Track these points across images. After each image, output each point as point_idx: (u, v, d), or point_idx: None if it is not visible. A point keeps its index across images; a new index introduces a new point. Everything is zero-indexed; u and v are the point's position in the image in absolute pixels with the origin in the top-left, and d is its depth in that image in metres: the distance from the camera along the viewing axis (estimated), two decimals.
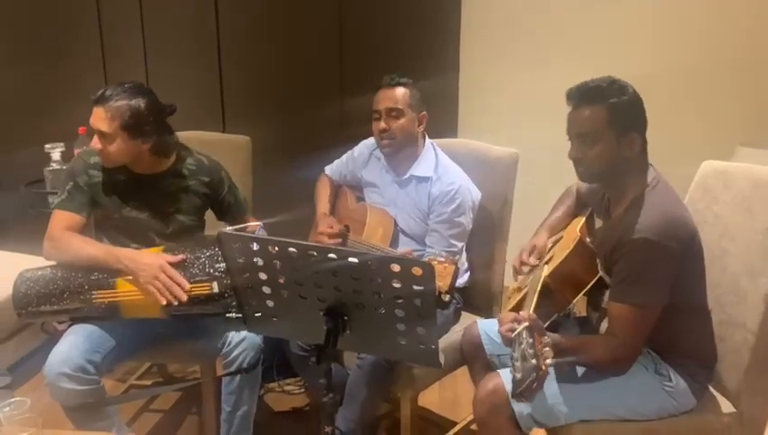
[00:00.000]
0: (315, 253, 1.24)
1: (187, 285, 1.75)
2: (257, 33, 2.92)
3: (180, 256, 1.80)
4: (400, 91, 2.04)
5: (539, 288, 1.60)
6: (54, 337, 1.86)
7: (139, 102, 1.81)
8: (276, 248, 1.26)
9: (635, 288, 1.50)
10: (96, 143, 1.84)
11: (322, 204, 2.26)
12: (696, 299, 1.61)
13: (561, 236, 1.84)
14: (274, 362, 2.34)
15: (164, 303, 1.73)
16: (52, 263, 1.87)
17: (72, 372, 1.71)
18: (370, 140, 2.21)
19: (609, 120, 1.52)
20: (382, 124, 2.03)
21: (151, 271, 1.74)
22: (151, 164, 1.93)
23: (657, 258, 1.48)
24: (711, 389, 1.67)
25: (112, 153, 1.84)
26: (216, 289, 1.76)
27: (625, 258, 1.50)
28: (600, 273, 1.62)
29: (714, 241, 1.69)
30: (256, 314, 1.39)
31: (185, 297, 1.74)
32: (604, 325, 1.67)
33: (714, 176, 1.79)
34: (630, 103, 1.54)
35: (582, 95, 1.55)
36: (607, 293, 1.64)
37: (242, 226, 1.95)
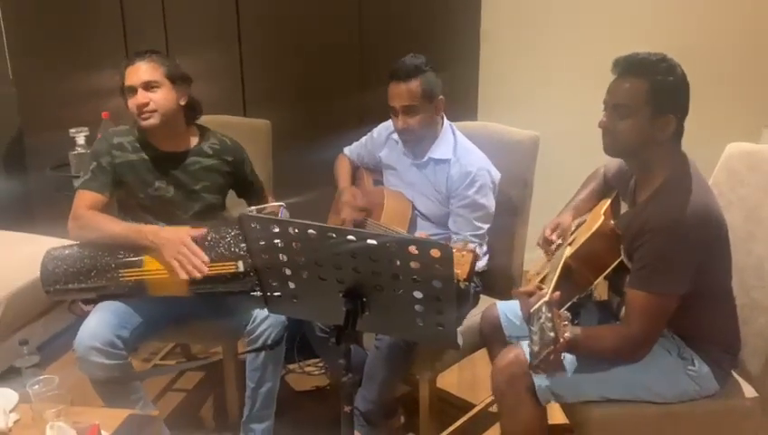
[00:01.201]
0: (334, 235, 1.25)
1: (208, 259, 1.77)
2: (278, 19, 2.91)
3: (202, 230, 1.83)
4: (413, 86, 1.96)
5: (560, 268, 1.59)
6: (81, 318, 1.90)
7: (171, 57, 1.97)
8: (296, 230, 1.27)
9: (654, 276, 1.48)
10: (139, 99, 1.88)
11: (344, 178, 2.26)
12: (721, 286, 1.59)
13: (585, 220, 1.82)
14: (295, 343, 2.37)
15: (185, 277, 1.75)
16: (78, 243, 1.91)
17: (102, 346, 1.75)
18: (389, 123, 2.20)
19: (648, 97, 1.48)
20: (400, 123, 2.01)
21: (173, 245, 1.77)
22: (178, 138, 1.98)
23: (679, 247, 1.45)
24: (734, 374, 1.65)
25: (159, 103, 1.89)
26: (241, 268, 1.80)
27: (646, 245, 1.48)
28: (623, 258, 1.61)
29: (739, 224, 1.66)
30: (276, 295, 1.41)
31: (206, 270, 1.76)
32: (624, 312, 1.65)
33: (739, 158, 1.75)
34: (675, 85, 1.50)
35: (628, 66, 1.51)
36: (628, 278, 1.62)
37: (263, 206, 1.97)
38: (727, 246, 1.56)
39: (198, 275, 1.75)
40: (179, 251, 1.77)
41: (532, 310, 1.39)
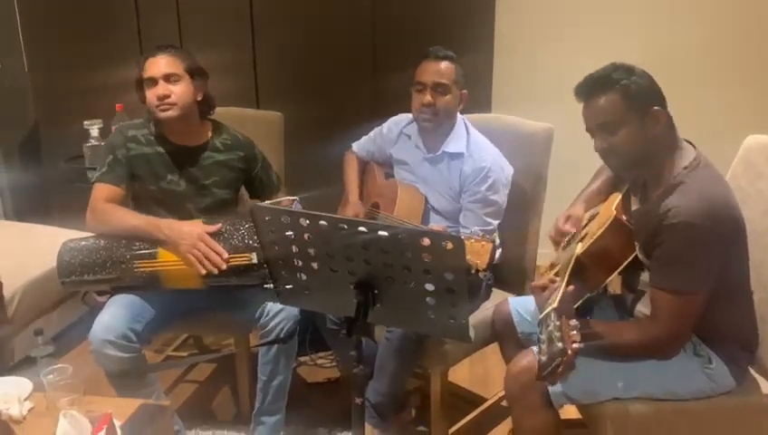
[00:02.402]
0: (346, 226, 1.24)
1: (226, 254, 1.79)
2: (291, 13, 2.90)
3: (217, 225, 1.84)
4: (448, 66, 1.99)
5: (570, 267, 1.57)
6: (95, 309, 1.92)
7: (189, 52, 1.99)
8: (307, 221, 1.27)
9: (677, 273, 1.46)
10: (160, 90, 1.89)
11: (352, 188, 2.24)
12: (738, 282, 1.56)
13: (597, 213, 1.80)
14: (307, 335, 2.38)
15: (203, 272, 1.77)
16: (94, 235, 1.92)
17: (116, 340, 1.77)
18: (400, 118, 2.19)
19: (627, 102, 1.47)
20: (428, 97, 1.98)
21: (191, 240, 1.79)
22: (192, 132, 1.99)
23: (700, 242, 1.43)
24: (751, 370, 1.63)
25: (178, 95, 1.91)
26: (255, 260, 1.81)
27: (668, 243, 1.45)
28: (639, 256, 1.58)
29: (757, 218, 1.63)
30: (288, 287, 1.40)
31: (224, 266, 1.78)
32: (638, 307, 1.63)
33: (758, 150, 1.72)
34: (641, 81, 1.49)
35: (591, 86, 1.51)
36: (643, 274, 1.60)
37: (277, 200, 1.97)
38: (744, 241, 1.54)
39: (215, 271, 1.77)
40: (196, 246, 1.78)
41: (540, 316, 1.37)
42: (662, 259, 1.48)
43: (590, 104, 1.52)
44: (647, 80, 1.50)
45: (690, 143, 1.56)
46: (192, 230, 1.81)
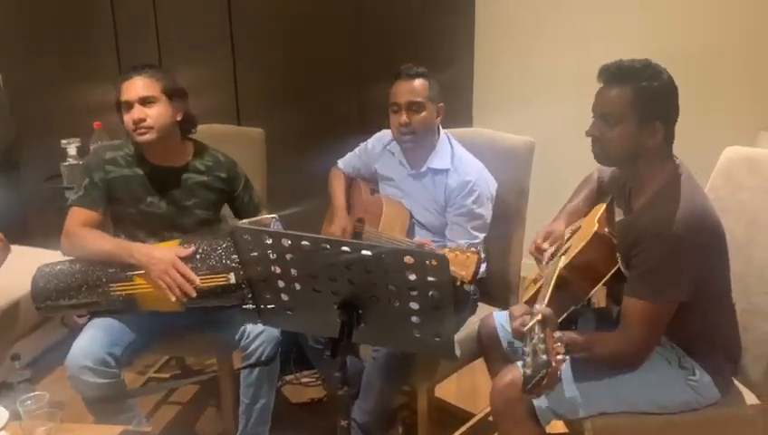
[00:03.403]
0: (328, 246, 1.23)
1: (197, 281, 1.76)
2: (271, 27, 2.90)
3: (191, 249, 1.81)
4: (420, 84, 1.99)
5: (554, 280, 1.56)
6: (75, 330, 1.89)
7: (168, 71, 1.95)
8: (289, 241, 1.25)
9: (652, 284, 1.46)
10: (136, 114, 1.85)
11: (339, 202, 2.22)
12: (720, 293, 1.57)
13: (580, 226, 1.80)
14: (292, 354, 2.35)
15: (173, 299, 1.75)
16: (71, 258, 1.89)
17: (94, 365, 1.73)
18: (383, 134, 2.19)
19: (635, 104, 1.47)
20: (403, 118, 1.99)
21: (162, 266, 1.76)
22: (173, 153, 1.96)
23: (677, 254, 1.44)
24: (735, 381, 1.63)
25: (155, 118, 1.87)
26: (233, 280, 1.78)
27: (644, 253, 1.46)
28: (621, 267, 1.58)
29: (739, 229, 1.64)
30: (270, 307, 1.38)
31: (194, 294, 1.75)
32: None
33: (738, 162, 1.74)
34: (661, 90, 1.48)
35: (613, 74, 1.50)
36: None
37: (256, 218, 1.95)
38: (725, 252, 1.55)
39: (185, 299, 1.74)
40: (167, 272, 1.75)
41: (525, 328, 1.36)
42: (639, 269, 1.48)
43: (604, 89, 1.52)
44: (667, 92, 1.49)
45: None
46: (164, 256, 1.78)
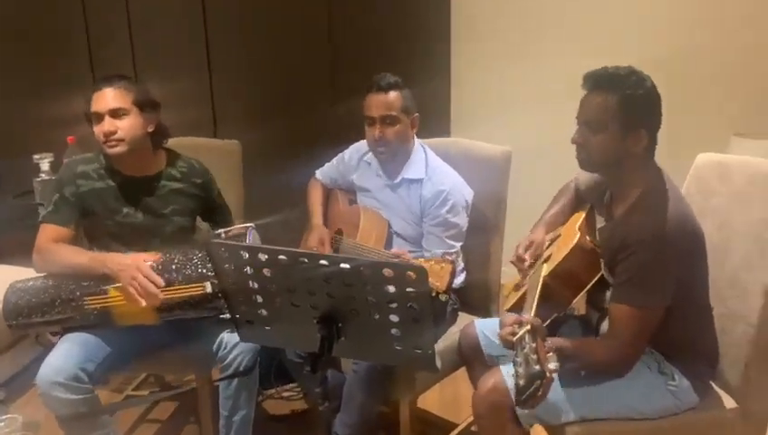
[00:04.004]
0: (306, 260, 1.22)
1: (161, 283, 1.73)
2: (247, 40, 2.90)
3: (157, 256, 1.79)
4: (393, 96, 1.99)
5: (539, 289, 1.57)
6: (49, 349, 1.84)
7: (140, 82, 1.94)
8: (266, 256, 1.24)
9: (638, 290, 1.47)
10: (106, 126, 1.83)
11: (316, 213, 2.22)
12: (699, 298, 1.59)
13: (560, 234, 1.82)
14: (272, 368, 2.32)
15: (142, 305, 1.71)
16: (43, 274, 1.86)
17: (65, 381, 1.69)
18: (361, 145, 2.19)
19: (619, 112, 1.48)
20: (377, 132, 2.00)
21: (129, 271, 1.73)
22: (146, 163, 1.95)
23: (662, 260, 1.45)
24: (713, 385, 1.65)
25: (126, 131, 1.85)
26: (209, 289, 1.75)
27: (628, 260, 1.47)
28: (604, 273, 1.60)
29: (712, 234, 1.66)
30: (248, 323, 1.37)
31: (160, 295, 1.71)
32: (604, 326, 1.64)
33: (710, 168, 1.77)
34: (644, 98, 1.50)
35: (598, 80, 1.51)
36: (608, 293, 1.61)
37: (230, 228, 1.93)
38: (704, 257, 1.57)
39: (151, 304, 1.71)
40: (135, 277, 1.72)
41: (515, 338, 1.36)
42: (624, 275, 1.49)
43: (588, 96, 1.53)
44: (650, 99, 1.51)
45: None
46: (131, 262, 1.76)
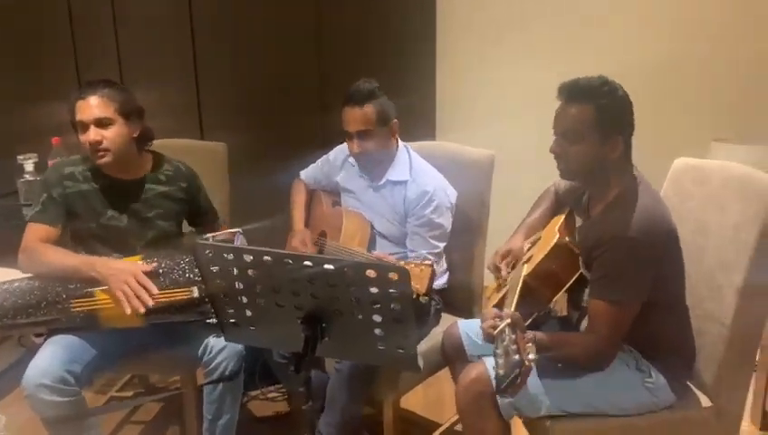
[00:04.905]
0: (290, 261, 1.24)
1: (155, 290, 1.73)
2: (235, 43, 2.90)
3: (153, 265, 1.79)
4: (368, 111, 1.98)
5: (519, 288, 1.60)
6: (32, 350, 1.83)
7: (124, 88, 1.91)
8: (251, 257, 1.25)
9: (614, 285, 1.51)
10: (92, 136, 1.83)
11: (297, 217, 2.24)
12: (675, 297, 1.63)
13: (540, 237, 1.85)
14: (257, 369, 2.33)
15: (128, 311, 1.71)
16: (29, 275, 1.85)
17: (52, 384, 1.68)
18: (345, 146, 2.20)
19: (595, 122, 1.52)
20: (355, 147, 2.02)
21: (122, 276, 1.73)
22: (131, 166, 1.95)
23: (636, 256, 1.49)
24: (689, 384, 1.69)
25: (111, 140, 1.84)
26: (196, 294, 1.76)
27: (604, 256, 1.51)
28: (582, 270, 1.64)
29: (688, 237, 1.70)
30: (233, 323, 1.38)
31: (151, 302, 1.72)
32: (584, 324, 1.68)
33: (686, 172, 1.81)
34: (619, 107, 1.54)
35: (572, 92, 1.55)
36: (587, 292, 1.65)
37: (217, 233, 1.94)
38: (680, 256, 1.61)
39: (141, 309, 1.71)
40: (127, 283, 1.72)
41: (496, 331, 1.39)
42: (599, 271, 1.53)
43: (564, 107, 1.56)
44: (624, 107, 1.55)
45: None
46: (125, 267, 1.76)
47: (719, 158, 2.55)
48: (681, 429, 1.65)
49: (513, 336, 1.35)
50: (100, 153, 1.85)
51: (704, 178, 1.74)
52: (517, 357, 1.29)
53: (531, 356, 1.30)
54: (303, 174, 2.34)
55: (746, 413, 2.08)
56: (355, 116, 1.99)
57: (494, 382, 1.33)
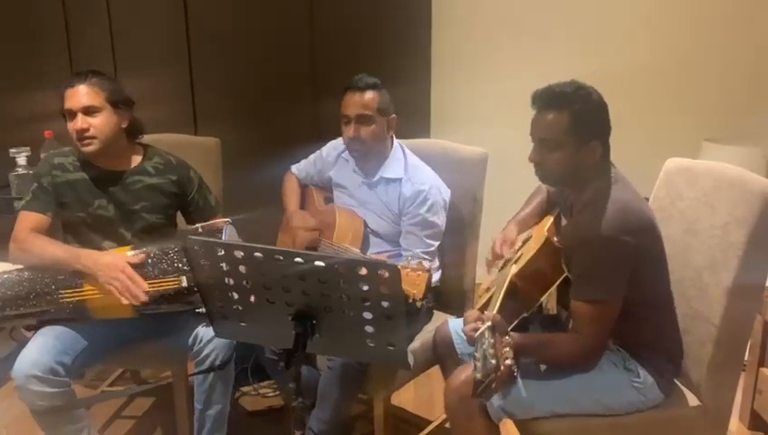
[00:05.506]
0: (281, 257, 1.24)
1: (146, 286, 1.75)
2: (228, 37, 2.89)
3: (141, 256, 1.79)
4: (370, 96, 2.01)
5: (505, 288, 1.61)
6: (23, 344, 1.83)
7: (113, 78, 1.93)
8: (242, 253, 1.25)
9: (591, 285, 1.52)
10: (79, 124, 1.83)
11: (292, 201, 2.24)
12: (661, 295, 1.64)
13: (530, 236, 1.86)
14: (249, 364, 2.33)
15: (125, 302, 1.73)
16: (19, 266, 1.85)
17: (42, 374, 1.69)
18: (338, 142, 2.20)
19: (571, 128, 1.52)
20: (352, 131, 2.02)
21: (110, 271, 1.74)
22: (120, 157, 1.95)
23: (612, 253, 1.49)
24: (677, 383, 1.70)
25: (98, 128, 1.85)
26: (185, 283, 1.77)
27: (580, 255, 1.53)
28: (565, 271, 1.64)
29: (678, 236, 1.72)
30: (223, 317, 1.38)
31: (143, 297, 1.74)
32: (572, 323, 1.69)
33: (677, 173, 1.82)
34: (594, 111, 1.55)
35: (547, 100, 1.55)
36: None
37: (209, 223, 1.94)
38: (662, 254, 1.61)
39: (136, 302, 1.73)
40: (117, 278, 1.73)
41: (476, 334, 1.40)
42: (578, 271, 1.54)
43: (539, 115, 1.57)
44: (599, 111, 1.55)
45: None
46: (112, 261, 1.77)
47: (710, 158, 2.58)
48: (669, 428, 1.66)
49: (492, 340, 1.35)
50: (86, 141, 1.85)
51: (695, 178, 1.75)
52: (494, 362, 1.30)
53: (508, 361, 1.31)
54: (295, 168, 2.33)
55: (735, 412, 2.10)
56: (356, 100, 2.00)
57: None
